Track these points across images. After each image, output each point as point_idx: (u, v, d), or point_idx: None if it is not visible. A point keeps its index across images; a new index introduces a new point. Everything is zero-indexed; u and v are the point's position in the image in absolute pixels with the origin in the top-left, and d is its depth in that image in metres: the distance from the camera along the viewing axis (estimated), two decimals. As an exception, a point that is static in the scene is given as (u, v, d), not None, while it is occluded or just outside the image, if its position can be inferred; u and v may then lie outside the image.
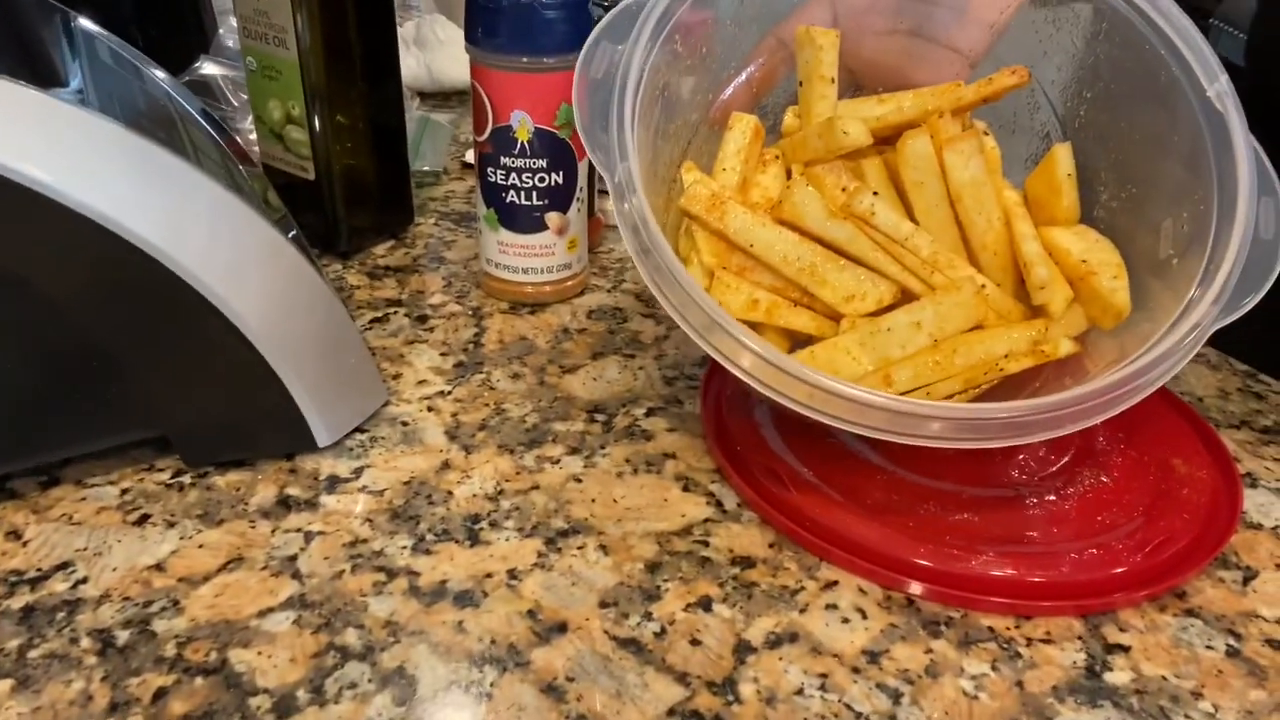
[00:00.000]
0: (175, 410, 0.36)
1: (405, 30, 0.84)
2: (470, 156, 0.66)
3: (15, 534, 0.34)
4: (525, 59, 0.44)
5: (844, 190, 0.38)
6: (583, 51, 0.36)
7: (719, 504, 0.37)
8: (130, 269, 0.32)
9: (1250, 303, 0.34)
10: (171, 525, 0.34)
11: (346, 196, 0.53)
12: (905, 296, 0.38)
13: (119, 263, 0.31)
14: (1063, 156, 0.40)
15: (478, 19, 0.44)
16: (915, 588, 0.33)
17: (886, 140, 0.41)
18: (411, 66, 0.81)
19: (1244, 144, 0.35)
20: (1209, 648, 0.31)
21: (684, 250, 0.40)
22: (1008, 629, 0.32)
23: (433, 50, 0.82)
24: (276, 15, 0.48)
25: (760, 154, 0.42)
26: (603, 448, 0.40)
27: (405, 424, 0.40)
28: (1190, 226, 0.36)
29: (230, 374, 0.35)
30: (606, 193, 0.59)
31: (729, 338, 0.33)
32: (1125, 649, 0.31)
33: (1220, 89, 0.36)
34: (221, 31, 0.72)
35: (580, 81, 0.36)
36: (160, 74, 0.45)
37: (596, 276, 0.53)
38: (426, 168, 0.63)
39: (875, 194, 0.37)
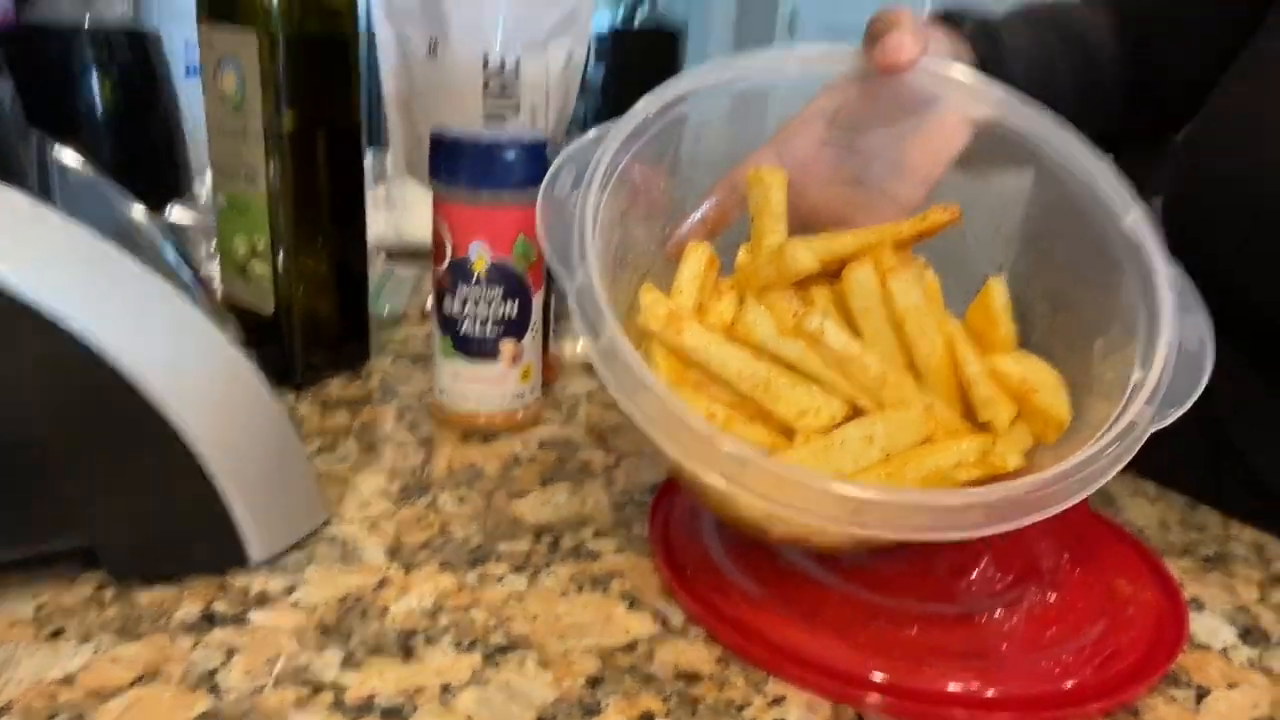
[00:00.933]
0: (106, 518, 0.35)
1: (377, 194, 0.88)
2: (430, 304, 0.68)
3: (-84, 647, 0.32)
4: (485, 194, 0.46)
5: (795, 315, 0.40)
6: (548, 173, 0.38)
7: (665, 621, 0.36)
8: (77, 367, 0.32)
9: (1186, 405, 0.35)
10: (86, 640, 0.33)
11: (305, 332, 0.54)
12: (856, 413, 0.39)
13: (66, 360, 0.31)
14: (997, 290, 0.42)
15: (441, 157, 0.46)
16: (872, 697, 0.31)
17: (834, 275, 0.43)
18: (380, 225, 0.84)
19: (1163, 266, 0.38)
20: (1168, 764, 0.30)
21: None
22: (961, 745, 0.31)
23: (400, 211, 0.86)
24: (249, 155, 0.50)
25: (715, 283, 0.44)
26: (548, 565, 0.39)
27: (345, 543, 0.39)
28: (1121, 343, 0.38)
29: (167, 482, 0.35)
30: (562, 333, 0.60)
31: (692, 432, 0.33)
32: (1082, 765, 0.30)
33: (1135, 218, 0.39)
34: (196, 187, 0.75)
35: (544, 201, 0.37)
36: (133, 203, 0.47)
37: (550, 410, 0.54)
38: (386, 312, 0.65)
39: (824, 315, 0.39)
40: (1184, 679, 0.35)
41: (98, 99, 0.71)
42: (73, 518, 0.34)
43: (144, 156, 0.70)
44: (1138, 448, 0.33)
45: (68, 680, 0.31)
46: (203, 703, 0.30)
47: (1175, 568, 0.42)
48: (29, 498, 0.33)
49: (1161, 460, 0.54)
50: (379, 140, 1.00)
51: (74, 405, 0.33)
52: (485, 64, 0.91)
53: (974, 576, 0.39)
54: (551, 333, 0.58)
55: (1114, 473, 0.33)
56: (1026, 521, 0.32)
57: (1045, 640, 0.35)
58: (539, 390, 0.52)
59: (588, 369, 0.61)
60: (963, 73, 0.44)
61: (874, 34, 0.42)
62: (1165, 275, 0.37)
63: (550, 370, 0.58)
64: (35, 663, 0.31)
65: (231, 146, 0.51)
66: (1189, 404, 0.34)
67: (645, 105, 0.40)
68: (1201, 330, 0.37)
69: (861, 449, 0.37)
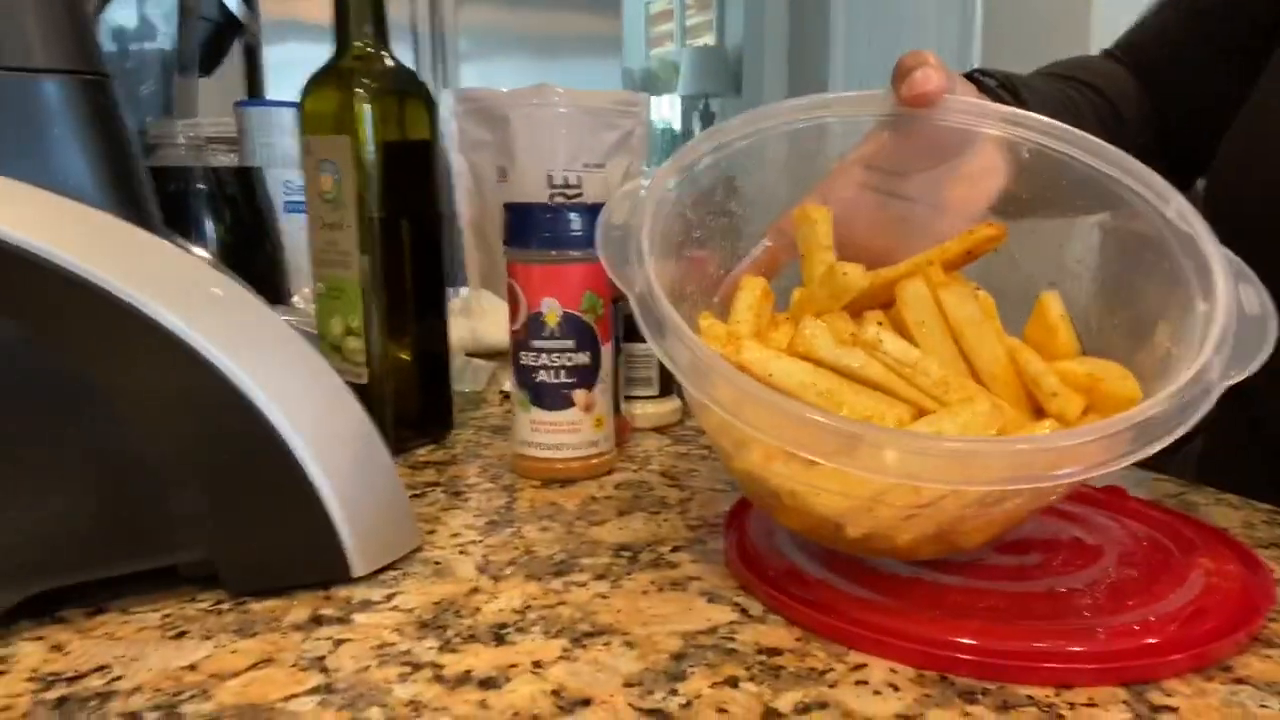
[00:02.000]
0: (227, 535, 0.38)
1: (455, 304, 0.94)
2: (507, 386, 0.72)
3: (58, 648, 0.35)
4: (554, 253, 0.51)
5: (851, 333, 0.41)
6: (605, 207, 0.42)
7: (744, 610, 0.37)
8: (220, 401, 0.36)
9: (1257, 361, 0.35)
10: (207, 638, 0.35)
11: (395, 404, 0.59)
12: (921, 417, 0.40)
13: (210, 393, 0.36)
14: (1051, 302, 0.43)
15: (515, 225, 0.51)
16: (959, 657, 0.32)
17: (885, 305, 0.45)
18: (459, 330, 0.90)
19: (1212, 244, 0.38)
20: (1264, 707, 0.30)
21: None
22: (1048, 696, 0.31)
23: (478, 318, 0.92)
24: (344, 243, 0.56)
25: (771, 315, 0.46)
26: (628, 574, 0.40)
27: (438, 563, 0.42)
28: (1181, 322, 0.38)
29: (285, 505, 0.38)
30: (632, 396, 0.63)
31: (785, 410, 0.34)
32: (1174, 709, 0.30)
33: (1179, 206, 0.40)
34: (293, 301, 0.82)
35: (602, 226, 0.41)
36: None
37: (623, 462, 0.56)
38: (467, 389, 0.69)
39: (880, 323, 0.41)
40: (1276, 640, 0.34)
41: (211, 228, 0.79)
42: (197, 534, 0.38)
43: (253, 275, 0.78)
44: (1214, 396, 0.33)
45: (192, 667, 0.33)
46: (314, 679, 0.32)
47: (1263, 555, 0.41)
48: (160, 512, 0.37)
49: (1243, 479, 0.54)
50: (456, 256, 1.08)
51: (212, 435, 0.37)
52: (550, 182, 0.98)
53: (1056, 563, 0.39)
54: (622, 397, 0.61)
55: (1193, 419, 0.33)
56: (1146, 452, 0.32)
57: (1129, 606, 0.35)
58: (612, 441, 0.55)
59: (658, 430, 0.63)
60: (994, 107, 0.47)
61: (902, 71, 0.46)
62: (1215, 250, 0.38)
63: (623, 432, 0.60)
64: (162, 656, 0.34)
65: (329, 237, 0.57)
66: (1260, 359, 0.34)
67: (686, 150, 0.44)
68: (1262, 297, 0.37)
69: None
